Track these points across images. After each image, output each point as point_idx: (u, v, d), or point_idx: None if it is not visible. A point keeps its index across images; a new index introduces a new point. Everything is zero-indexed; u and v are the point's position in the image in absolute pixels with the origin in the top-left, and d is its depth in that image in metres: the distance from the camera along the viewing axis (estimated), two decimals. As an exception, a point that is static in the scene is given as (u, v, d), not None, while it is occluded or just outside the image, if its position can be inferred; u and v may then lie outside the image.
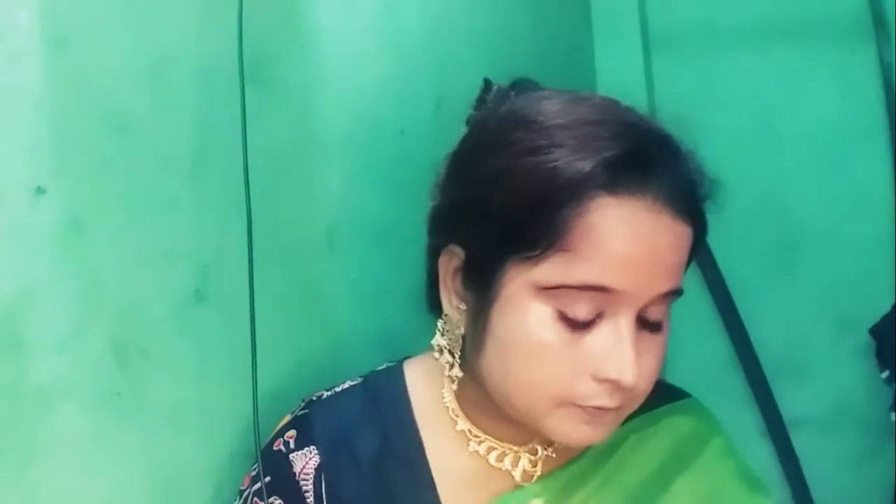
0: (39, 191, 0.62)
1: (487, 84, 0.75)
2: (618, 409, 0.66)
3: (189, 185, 0.76)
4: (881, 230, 1.69)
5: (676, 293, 0.66)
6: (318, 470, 0.73)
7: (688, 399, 0.82)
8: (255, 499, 0.73)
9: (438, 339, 0.74)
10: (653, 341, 0.67)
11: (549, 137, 0.64)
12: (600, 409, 0.65)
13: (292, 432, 0.75)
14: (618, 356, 0.63)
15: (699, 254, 0.69)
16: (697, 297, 1.79)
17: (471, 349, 0.70)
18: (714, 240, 0.74)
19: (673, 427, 0.78)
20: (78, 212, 0.65)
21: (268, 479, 0.73)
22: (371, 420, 0.75)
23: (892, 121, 1.69)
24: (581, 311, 0.63)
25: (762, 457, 1.77)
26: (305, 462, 0.73)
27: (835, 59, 1.73)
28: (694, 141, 0.69)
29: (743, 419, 1.78)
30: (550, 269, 0.63)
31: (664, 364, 0.68)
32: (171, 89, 0.74)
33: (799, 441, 1.80)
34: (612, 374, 0.63)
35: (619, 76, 1.78)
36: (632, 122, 0.67)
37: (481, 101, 0.75)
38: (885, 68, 1.70)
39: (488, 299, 0.66)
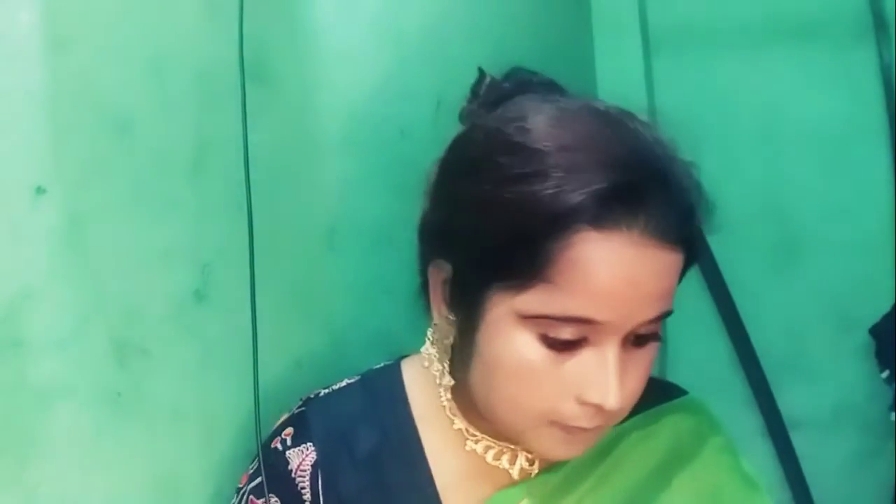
0: (39, 191, 0.62)
1: (481, 75, 0.74)
2: (599, 427, 0.66)
3: (189, 185, 0.76)
4: (881, 230, 1.69)
5: (666, 314, 0.65)
6: (314, 466, 0.73)
7: (688, 397, 0.81)
8: (251, 496, 0.73)
9: (428, 348, 0.75)
10: (640, 356, 0.66)
11: (534, 164, 0.62)
12: (582, 428, 0.66)
13: (290, 430, 0.75)
14: (602, 382, 0.63)
15: (699, 254, 0.69)
16: (697, 297, 1.79)
17: (458, 363, 0.71)
18: (714, 240, 0.74)
19: (672, 425, 0.77)
20: (78, 212, 0.65)
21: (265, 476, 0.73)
22: (369, 417, 0.75)
23: (892, 121, 1.69)
24: (564, 334, 0.63)
25: (762, 457, 1.77)
26: (301, 459, 0.73)
27: (835, 59, 1.73)
28: (693, 142, 0.67)
29: (743, 419, 1.77)
30: (533, 299, 0.62)
31: (664, 364, 0.68)
32: (171, 89, 0.74)
33: (799, 441, 1.80)
34: (596, 399, 0.63)
35: (619, 76, 1.78)
36: (622, 149, 0.63)
37: (474, 93, 0.74)
38: (885, 68, 1.70)
39: (473, 322, 0.66)
